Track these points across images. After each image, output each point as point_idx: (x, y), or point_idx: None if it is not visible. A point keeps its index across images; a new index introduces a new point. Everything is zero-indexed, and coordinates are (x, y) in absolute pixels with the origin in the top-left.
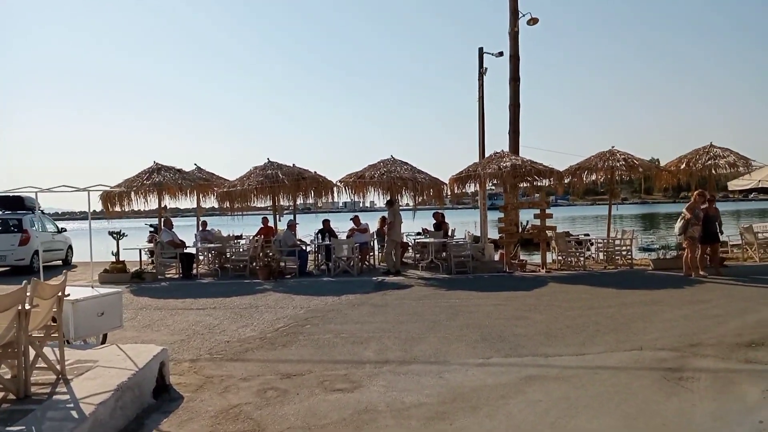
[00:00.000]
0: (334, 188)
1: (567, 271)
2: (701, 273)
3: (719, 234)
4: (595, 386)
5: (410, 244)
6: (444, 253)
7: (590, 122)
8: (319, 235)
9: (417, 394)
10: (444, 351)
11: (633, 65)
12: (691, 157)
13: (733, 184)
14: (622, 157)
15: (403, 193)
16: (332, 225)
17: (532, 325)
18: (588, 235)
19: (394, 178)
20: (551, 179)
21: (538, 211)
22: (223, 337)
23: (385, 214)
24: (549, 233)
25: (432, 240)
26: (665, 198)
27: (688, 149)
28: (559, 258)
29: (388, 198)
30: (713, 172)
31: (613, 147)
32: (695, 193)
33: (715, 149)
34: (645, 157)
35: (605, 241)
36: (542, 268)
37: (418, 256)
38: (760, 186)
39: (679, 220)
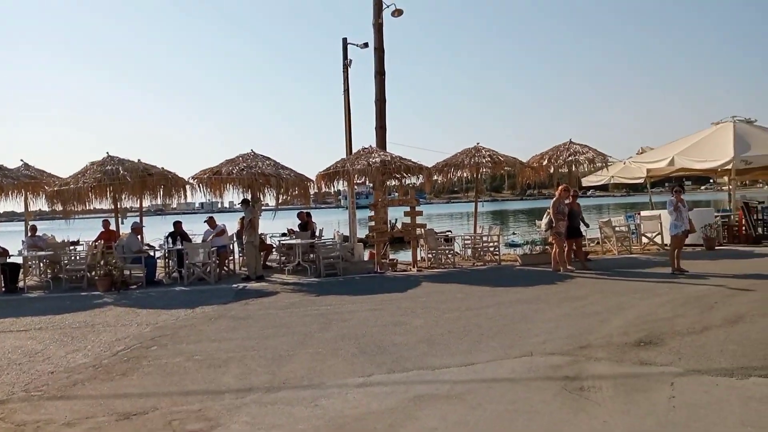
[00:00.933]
0: (187, 186)
1: (438, 269)
2: (569, 268)
3: (583, 228)
4: (493, 405)
5: (274, 246)
6: (312, 255)
7: (457, 119)
8: (170, 238)
9: (289, 430)
10: (318, 370)
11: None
12: (552, 153)
13: (587, 180)
14: (488, 153)
15: (266, 191)
16: (186, 227)
17: (413, 332)
18: (450, 231)
19: (256, 174)
20: (420, 176)
21: (407, 209)
22: (47, 366)
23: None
24: (419, 231)
25: (298, 241)
26: (513, 195)
27: (548, 146)
28: (429, 256)
29: (246, 197)
30: (573, 168)
31: (478, 144)
32: (560, 188)
33: (574, 146)
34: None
35: (473, 237)
36: (413, 267)
37: (283, 258)
38: (612, 182)
39: (545, 216)
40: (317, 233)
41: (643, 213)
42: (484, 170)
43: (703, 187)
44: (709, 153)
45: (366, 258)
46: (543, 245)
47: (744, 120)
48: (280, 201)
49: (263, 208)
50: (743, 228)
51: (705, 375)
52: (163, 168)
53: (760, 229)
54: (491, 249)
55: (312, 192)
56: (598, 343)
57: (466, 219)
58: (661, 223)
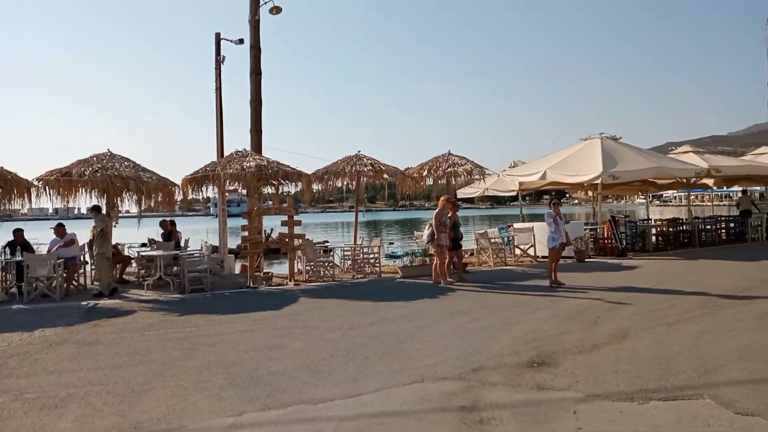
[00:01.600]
0: (32, 189)
1: (316, 282)
2: (449, 280)
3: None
4: None
5: (133, 257)
6: (176, 268)
7: (336, 126)
8: (8, 249)
9: None
10: (179, 408)
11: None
12: (432, 164)
13: (463, 192)
14: (369, 162)
15: (124, 195)
16: (35, 236)
17: (291, 357)
18: (328, 242)
19: (112, 177)
20: (299, 183)
21: (284, 218)
22: None
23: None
24: (297, 242)
25: (160, 252)
26: (386, 206)
27: (424, 158)
28: (307, 268)
29: (96, 203)
30: (453, 180)
31: (359, 152)
32: (442, 199)
33: (453, 157)
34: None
35: (353, 248)
36: (290, 281)
37: (143, 272)
38: (486, 194)
39: (426, 227)
40: (182, 244)
41: (517, 225)
42: (365, 179)
43: (562, 200)
44: (579, 168)
45: (238, 271)
46: (423, 256)
47: (610, 137)
48: (142, 208)
49: (121, 215)
50: (610, 241)
51: (605, 400)
52: (2, 168)
53: (624, 242)
54: (371, 261)
55: (178, 198)
56: (491, 365)
57: (342, 229)
58: (534, 236)
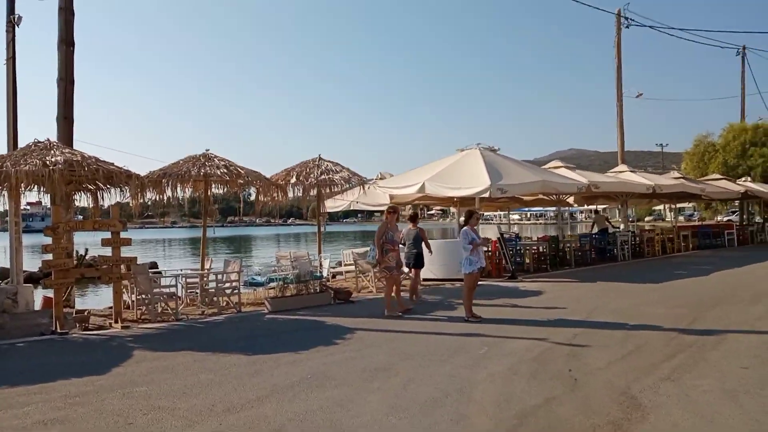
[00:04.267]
0: None
1: (154, 323)
2: (403, 308)
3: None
4: None
5: None
6: None
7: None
8: None
9: None
10: None
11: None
12: (301, 170)
13: (327, 205)
14: (222, 163)
15: None
16: None
17: None
18: (157, 267)
19: None
20: (128, 187)
21: (107, 235)
22: None
23: None
24: (124, 268)
25: None
26: (212, 221)
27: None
28: (139, 302)
29: None
30: (327, 189)
31: (208, 150)
32: (387, 210)
33: (326, 163)
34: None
35: (201, 275)
36: (116, 321)
37: None
38: (351, 208)
39: (370, 249)
40: None
41: None
42: (215, 186)
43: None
44: (461, 180)
45: (39, 307)
46: (298, 283)
47: (488, 148)
48: None
49: None
50: (498, 261)
51: None
52: None
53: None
54: (228, 291)
55: None
56: None
57: (167, 248)
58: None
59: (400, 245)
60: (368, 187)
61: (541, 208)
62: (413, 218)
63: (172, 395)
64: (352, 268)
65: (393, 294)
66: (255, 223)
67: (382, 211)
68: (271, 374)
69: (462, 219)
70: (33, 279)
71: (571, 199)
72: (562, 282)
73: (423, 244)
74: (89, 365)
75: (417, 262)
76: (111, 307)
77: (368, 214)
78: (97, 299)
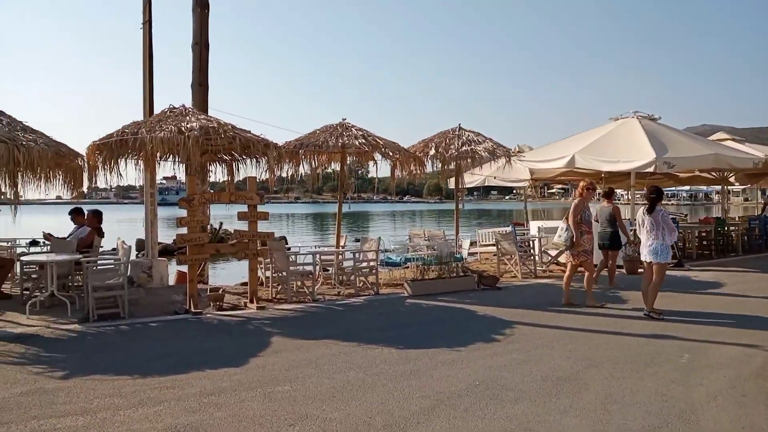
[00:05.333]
0: None
1: (290, 304)
2: (596, 303)
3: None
4: None
5: (23, 259)
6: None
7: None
8: None
9: None
10: None
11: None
12: (440, 140)
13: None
14: (360, 133)
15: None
16: None
17: None
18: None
19: None
20: (267, 157)
21: (244, 208)
22: None
23: None
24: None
25: (53, 257)
26: (334, 198)
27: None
28: (274, 278)
29: None
30: (470, 161)
31: (344, 120)
32: (580, 186)
33: (467, 133)
34: None
35: (337, 253)
36: (251, 302)
37: (29, 284)
38: (485, 184)
39: (560, 228)
40: (98, 245)
41: (540, 223)
42: (352, 157)
43: (507, 197)
44: (620, 152)
45: (172, 282)
46: (439, 264)
47: (647, 116)
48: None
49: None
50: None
51: None
52: None
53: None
54: (366, 271)
55: (87, 175)
56: None
57: (289, 223)
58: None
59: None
60: (508, 162)
61: (674, 188)
62: (608, 194)
63: (321, 399)
64: (489, 249)
65: (572, 283)
66: (372, 200)
67: (512, 189)
68: (431, 377)
69: (648, 197)
70: (167, 252)
71: (732, 177)
72: (736, 272)
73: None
74: (225, 354)
75: (613, 242)
76: (244, 284)
77: (490, 192)
78: (224, 273)
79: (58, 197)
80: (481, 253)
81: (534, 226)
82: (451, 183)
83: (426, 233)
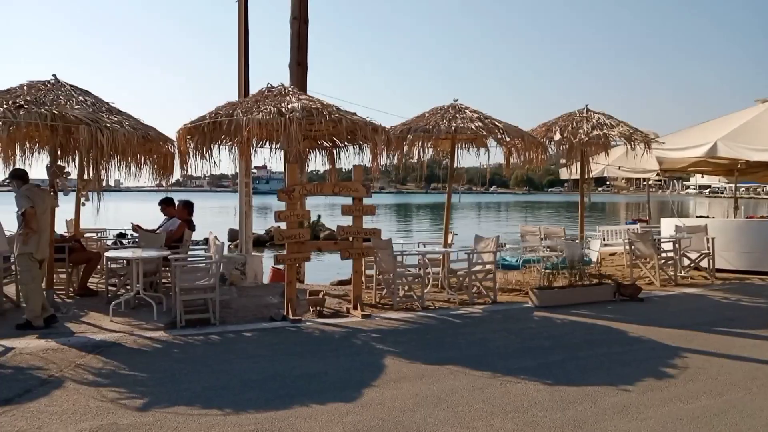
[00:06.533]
0: None
1: (398, 313)
2: None
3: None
4: None
5: (108, 255)
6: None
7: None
8: None
9: None
10: None
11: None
12: (565, 124)
13: (566, 173)
14: (476, 115)
15: (72, 155)
16: None
17: None
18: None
19: (59, 117)
20: (377, 144)
21: (349, 201)
22: None
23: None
24: (369, 241)
25: (138, 254)
26: (417, 188)
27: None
28: (380, 279)
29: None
30: (605, 146)
31: (456, 101)
32: None
33: (596, 115)
34: None
35: (445, 254)
36: (355, 308)
37: (114, 281)
38: (604, 175)
39: None
40: (188, 238)
41: (678, 221)
42: (463, 142)
43: (600, 189)
44: None
45: (267, 279)
46: (571, 269)
47: None
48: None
49: (71, 185)
50: None
51: None
52: None
53: None
54: (480, 276)
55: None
56: None
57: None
58: (708, 239)
59: None
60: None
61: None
62: None
63: None
64: (613, 249)
65: None
66: (456, 191)
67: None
68: (603, 430)
69: None
70: (260, 242)
71: None
72: None
73: None
74: (332, 379)
75: None
76: (341, 282)
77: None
78: (316, 266)
79: (159, 185)
80: (602, 254)
81: (667, 224)
82: (564, 173)
83: (542, 230)
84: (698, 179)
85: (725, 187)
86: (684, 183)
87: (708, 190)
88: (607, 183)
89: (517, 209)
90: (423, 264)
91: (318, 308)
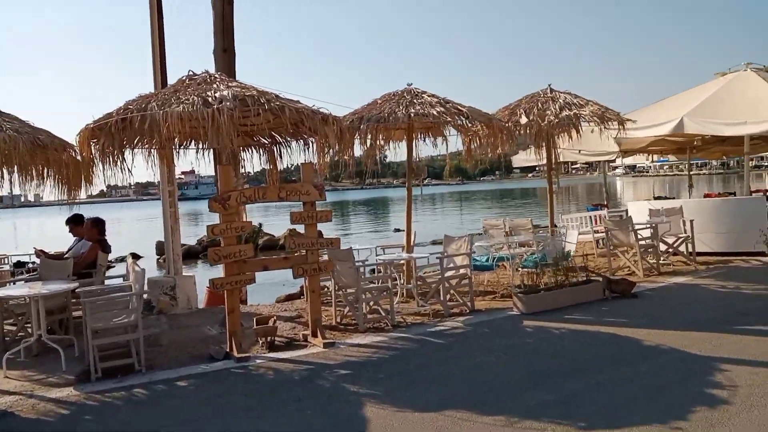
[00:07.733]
0: None
1: (364, 334)
2: None
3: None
4: None
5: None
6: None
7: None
8: None
9: None
10: None
11: None
12: (530, 105)
13: (520, 159)
14: (435, 100)
15: None
16: None
17: None
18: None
19: None
20: (328, 137)
21: (298, 206)
22: None
23: None
24: (324, 252)
25: (37, 289)
26: (353, 184)
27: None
28: (340, 295)
29: None
30: (576, 128)
31: (410, 85)
32: None
33: (562, 95)
34: None
35: (408, 260)
36: (314, 335)
37: (11, 322)
38: (562, 159)
39: None
40: (101, 263)
41: (654, 204)
42: (420, 133)
43: (530, 174)
44: (745, 113)
45: (203, 304)
46: (555, 267)
47: (763, 67)
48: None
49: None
50: None
51: None
52: None
53: None
54: (454, 283)
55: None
56: None
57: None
58: (684, 222)
59: None
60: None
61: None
62: None
63: None
64: (582, 238)
65: None
66: (392, 185)
67: (535, 167)
68: None
69: None
70: (192, 254)
71: None
72: None
73: None
74: None
75: None
76: (289, 296)
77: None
78: (261, 290)
79: (72, 198)
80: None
81: (639, 208)
82: (516, 161)
83: (506, 223)
84: (623, 159)
85: (650, 167)
86: (610, 164)
87: (634, 170)
88: (536, 168)
89: (454, 200)
90: (390, 275)
91: (269, 338)
